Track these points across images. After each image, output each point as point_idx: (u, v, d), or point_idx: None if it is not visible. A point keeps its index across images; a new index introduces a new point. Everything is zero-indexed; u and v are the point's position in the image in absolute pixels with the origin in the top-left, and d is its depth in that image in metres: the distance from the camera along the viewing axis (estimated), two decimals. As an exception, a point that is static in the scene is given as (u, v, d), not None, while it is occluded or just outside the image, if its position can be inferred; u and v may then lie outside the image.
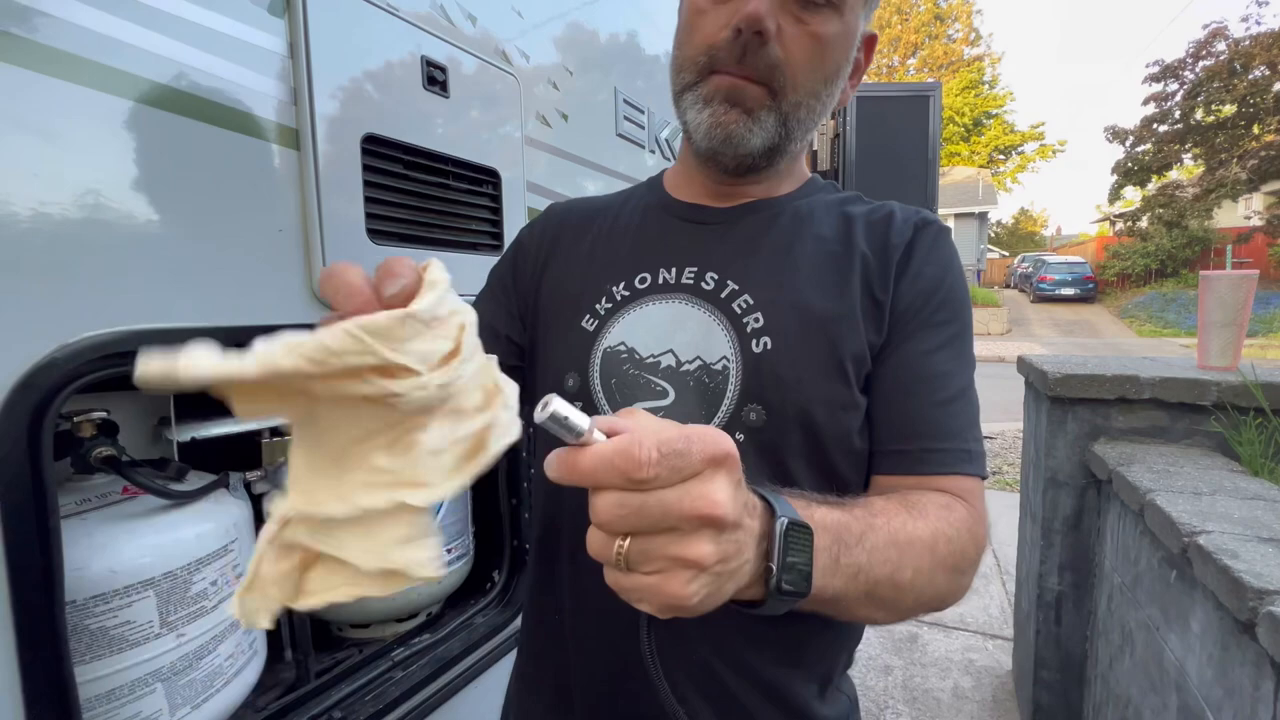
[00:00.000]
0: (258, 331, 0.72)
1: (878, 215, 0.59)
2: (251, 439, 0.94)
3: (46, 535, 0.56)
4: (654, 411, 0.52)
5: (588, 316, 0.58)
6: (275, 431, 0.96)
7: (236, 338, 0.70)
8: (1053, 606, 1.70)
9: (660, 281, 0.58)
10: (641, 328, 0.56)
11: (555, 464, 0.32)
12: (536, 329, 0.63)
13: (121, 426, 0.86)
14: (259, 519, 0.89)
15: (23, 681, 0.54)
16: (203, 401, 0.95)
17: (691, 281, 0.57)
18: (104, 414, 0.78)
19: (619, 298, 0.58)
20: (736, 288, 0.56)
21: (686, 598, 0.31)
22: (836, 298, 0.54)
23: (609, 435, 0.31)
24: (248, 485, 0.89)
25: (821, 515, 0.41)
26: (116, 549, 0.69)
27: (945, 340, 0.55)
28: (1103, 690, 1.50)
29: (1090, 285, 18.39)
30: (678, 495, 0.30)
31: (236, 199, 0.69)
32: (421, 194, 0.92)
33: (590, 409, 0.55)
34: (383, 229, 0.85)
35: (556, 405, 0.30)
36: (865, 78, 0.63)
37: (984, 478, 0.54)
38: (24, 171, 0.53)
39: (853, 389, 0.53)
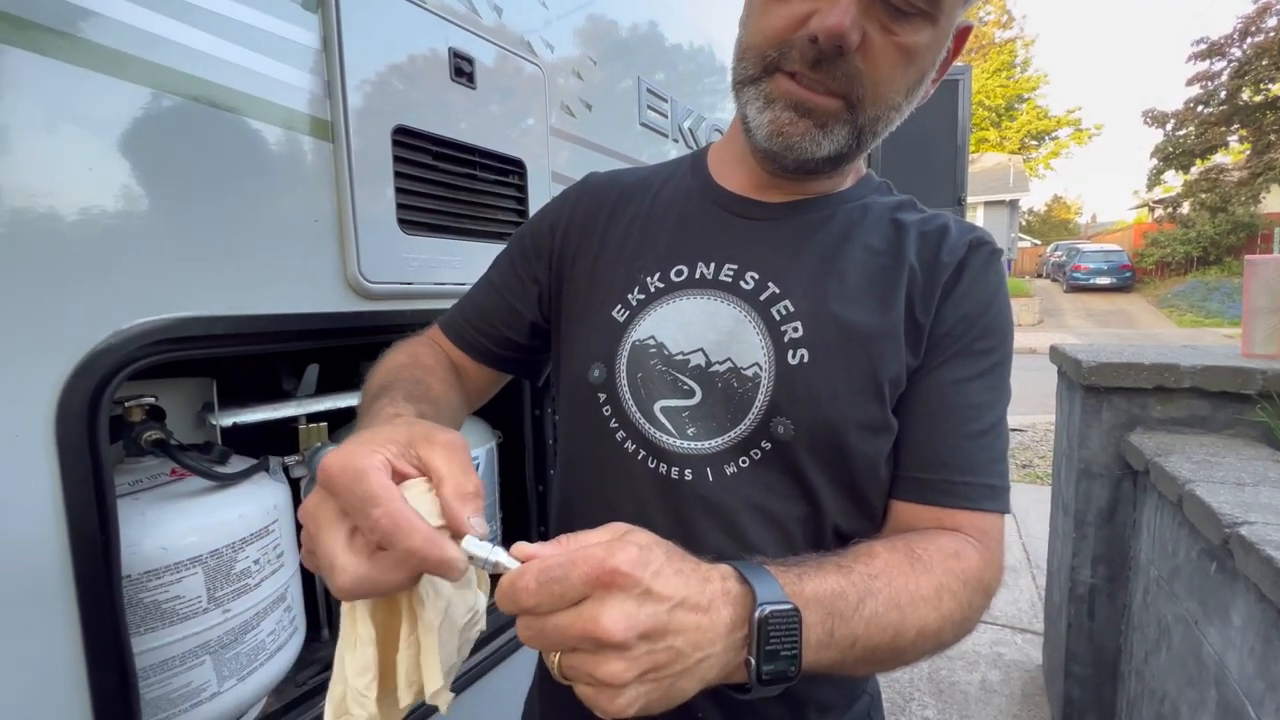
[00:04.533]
0: (297, 320, 0.75)
1: (931, 227, 0.56)
2: (289, 425, 0.98)
3: (104, 512, 0.59)
4: (679, 411, 0.53)
5: (619, 306, 0.57)
6: (311, 418, 0.99)
7: (277, 325, 0.72)
8: (1085, 600, 1.67)
9: (697, 276, 0.56)
10: (673, 323, 0.55)
11: None
12: (563, 313, 0.63)
13: (169, 412, 0.90)
14: (296, 501, 0.92)
15: (85, 648, 0.58)
16: (242, 389, 0.99)
17: (730, 279, 0.55)
18: (152, 400, 0.81)
19: (652, 289, 0.57)
20: (777, 291, 0.53)
21: (620, 710, 0.33)
22: (880, 315, 0.52)
23: (525, 561, 0.35)
24: (286, 469, 0.92)
25: (814, 588, 0.40)
26: (167, 527, 0.72)
27: (983, 370, 0.53)
28: (1137, 685, 1.47)
29: (1127, 274, 17.77)
30: (569, 619, 0.33)
31: (274, 191, 0.71)
32: (449, 184, 0.93)
33: (615, 402, 0.55)
34: (413, 219, 0.87)
35: (466, 544, 0.35)
36: None
37: (1005, 514, 0.53)
38: (78, 165, 0.56)
39: (887, 411, 0.52)
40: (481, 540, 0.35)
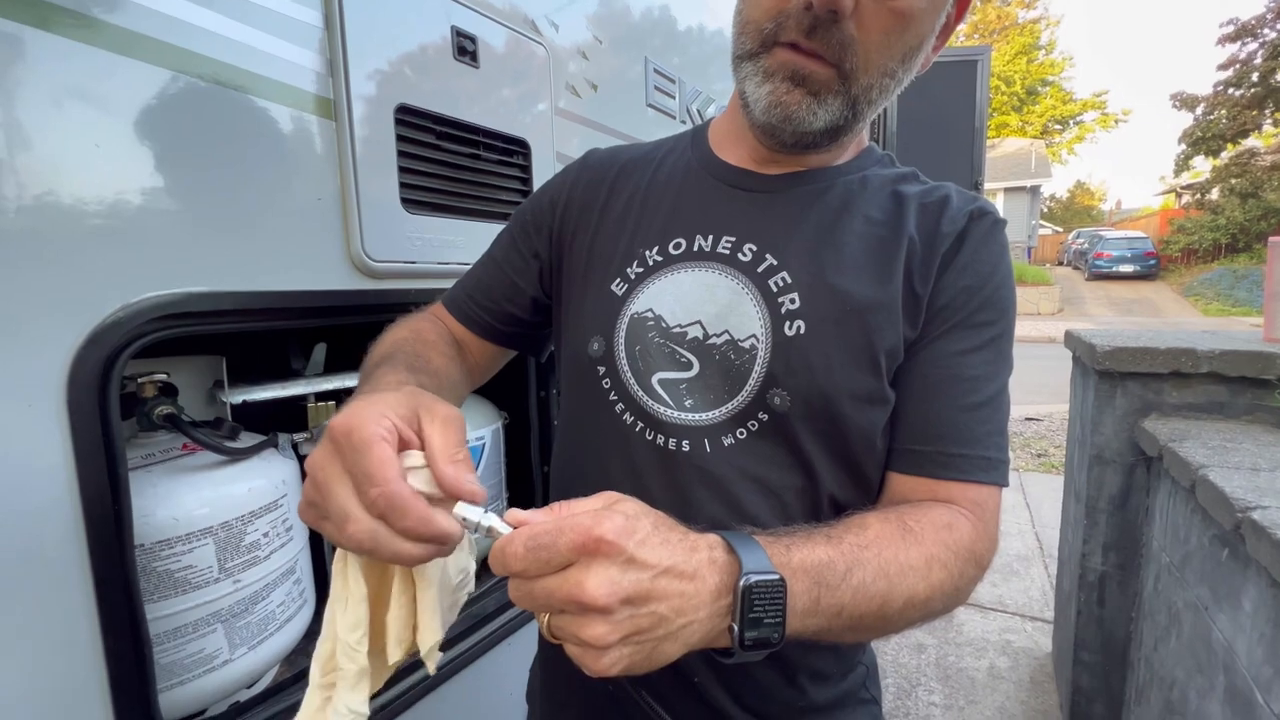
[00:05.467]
0: (302, 297, 0.76)
1: (932, 198, 0.55)
2: (298, 403, 1.00)
3: (116, 482, 0.61)
4: (677, 384, 0.53)
5: (617, 280, 0.58)
6: (320, 396, 1.00)
7: (282, 302, 0.74)
8: (1095, 587, 1.65)
9: (695, 248, 0.56)
10: (671, 295, 0.55)
11: None
12: (563, 288, 0.64)
13: (180, 389, 0.92)
14: (305, 477, 0.94)
15: (100, 613, 0.60)
16: (252, 368, 1.01)
17: (728, 251, 0.55)
18: (164, 376, 0.83)
19: (651, 262, 0.57)
20: (775, 263, 0.53)
21: (604, 669, 0.34)
22: (878, 286, 0.52)
23: (516, 527, 0.36)
24: (295, 446, 0.94)
25: (802, 557, 0.41)
26: (178, 499, 0.74)
27: (983, 342, 0.53)
28: (1146, 673, 1.46)
29: (1151, 262, 17.37)
30: (555, 584, 0.34)
31: (278, 169, 0.72)
32: (453, 164, 0.94)
33: (614, 375, 0.56)
34: (416, 198, 0.88)
35: (460, 509, 0.36)
36: None
37: (1003, 486, 0.53)
38: (83, 143, 0.57)
39: (883, 383, 0.52)
40: (474, 506, 0.36)
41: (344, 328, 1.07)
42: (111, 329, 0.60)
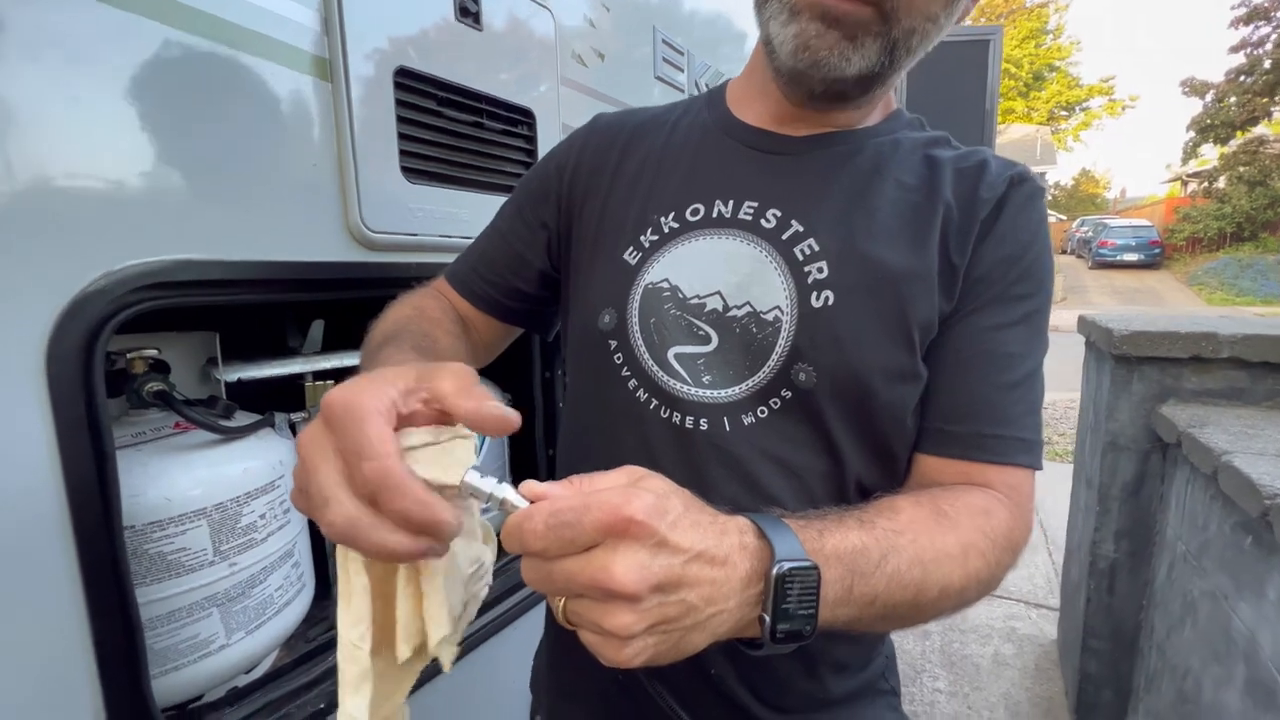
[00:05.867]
0: (297, 269, 0.72)
1: (969, 163, 0.52)
2: (295, 382, 0.96)
3: (102, 460, 0.58)
4: (694, 359, 0.50)
5: (630, 249, 0.54)
6: (318, 376, 0.97)
7: (276, 273, 0.70)
8: (1106, 575, 1.63)
9: (714, 215, 0.52)
10: (688, 265, 0.52)
11: None
12: (571, 259, 0.60)
13: (173, 366, 0.89)
14: (304, 459, 0.91)
15: (87, 597, 0.57)
16: (247, 346, 0.97)
17: (750, 218, 0.51)
18: (155, 352, 0.80)
19: (666, 230, 0.53)
20: (800, 230, 0.50)
21: (626, 661, 0.32)
22: (912, 254, 0.48)
23: (534, 501, 0.32)
24: (292, 426, 0.91)
25: (835, 544, 0.38)
26: (170, 479, 0.71)
27: (1021, 316, 0.49)
28: (1158, 660, 1.44)
29: (1156, 250, 17.23)
30: (578, 566, 0.31)
31: (271, 131, 0.68)
32: (455, 132, 0.89)
33: (627, 349, 0.52)
34: (416, 167, 0.84)
35: (469, 478, 0.33)
36: None
37: (1037, 470, 0.50)
38: (63, 97, 0.53)
39: (916, 359, 0.48)
40: (485, 476, 0.32)
41: (342, 303, 1.03)
42: (94, 299, 0.56)
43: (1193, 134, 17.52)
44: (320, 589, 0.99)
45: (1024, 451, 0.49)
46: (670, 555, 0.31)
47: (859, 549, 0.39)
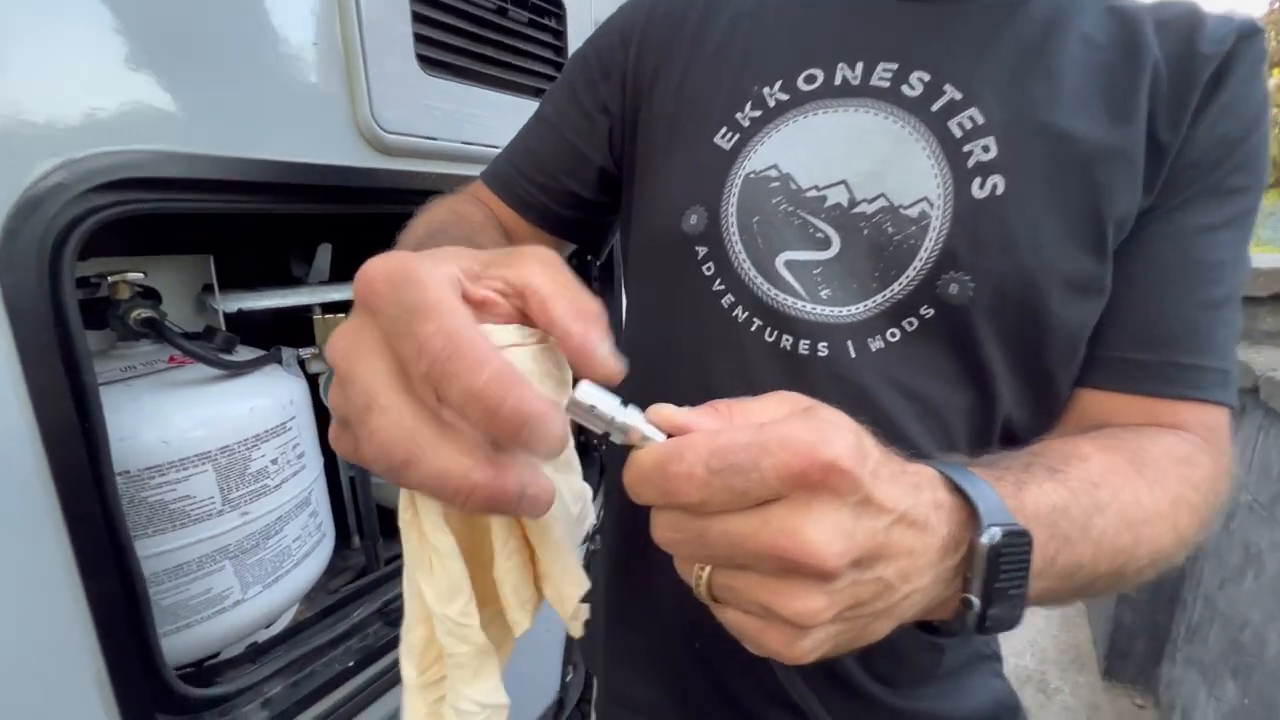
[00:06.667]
0: (298, 171, 0.61)
1: (1173, 13, 0.40)
2: (302, 314, 0.86)
3: (82, 394, 0.49)
4: (809, 266, 0.39)
5: (723, 130, 0.43)
6: (327, 308, 0.87)
7: (274, 175, 0.59)
8: (1150, 525, 1.57)
9: (838, 81, 0.40)
10: (803, 147, 0.40)
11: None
12: (639, 152, 0.48)
13: (164, 295, 0.79)
14: (315, 401, 0.82)
15: (76, 550, 0.49)
16: (246, 274, 0.87)
17: (887, 83, 0.39)
18: (140, 276, 0.69)
19: (772, 103, 0.42)
20: (958, 97, 0.38)
21: (798, 656, 0.23)
22: (1111, 127, 0.37)
23: (673, 435, 0.23)
24: (302, 362, 0.81)
25: (1035, 500, 0.29)
26: (166, 419, 0.62)
27: (1233, 216, 0.38)
28: (1205, 611, 1.40)
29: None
30: (750, 526, 0.22)
31: (265, 5, 0.56)
32: (477, 18, 0.76)
33: (721, 257, 0.42)
34: (434, 56, 0.71)
35: (584, 393, 0.22)
36: None
37: (1234, 408, 0.40)
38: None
39: (1106, 265, 0.38)
40: (605, 392, 0.22)
41: (352, 222, 0.92)
42: (52, 196, 0.45)
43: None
44: (340, 540, 0.93)
45: (1223, 386, 0.39)
46: (874, 517, 0.22)
47: (1059, 507, 0.30)
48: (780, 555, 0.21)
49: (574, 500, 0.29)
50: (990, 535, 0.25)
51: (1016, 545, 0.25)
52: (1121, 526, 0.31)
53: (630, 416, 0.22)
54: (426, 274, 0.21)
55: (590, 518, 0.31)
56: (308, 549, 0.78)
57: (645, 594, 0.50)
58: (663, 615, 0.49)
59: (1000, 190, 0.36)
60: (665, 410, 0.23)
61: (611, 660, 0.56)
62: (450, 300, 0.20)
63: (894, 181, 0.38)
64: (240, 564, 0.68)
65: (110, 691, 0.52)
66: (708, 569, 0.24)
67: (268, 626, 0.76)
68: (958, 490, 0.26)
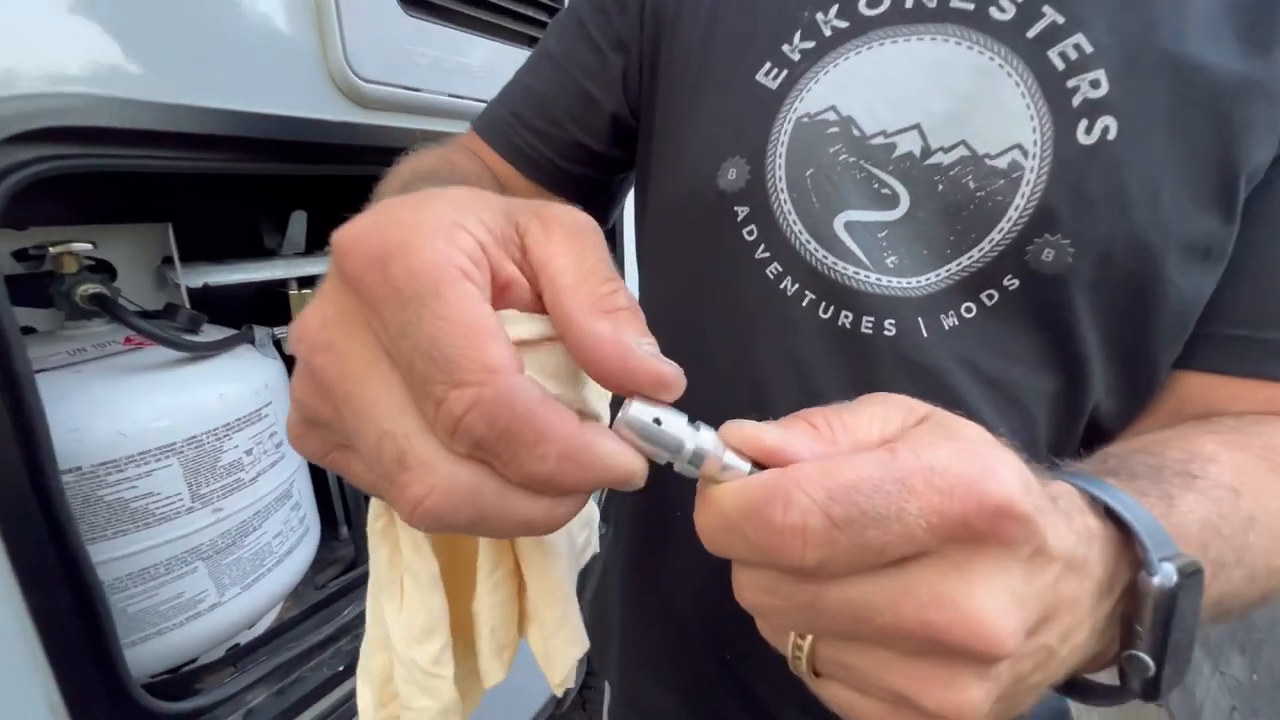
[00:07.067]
0: (263, 125, 0.53)
1: None
2: (276, 289, 0.79)
3: (14, 382, 0.42)
4: (873, 229, 0.33)
5: (768, 66, 0.36)
6: (304, 282, 0.80)
7: (232, 128, 0.51)
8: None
9: (909, 3, 0.33)
10: (867, 84, 0.34)
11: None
12: (660, 94, 0.41)
13: (120, 269, 0.71)
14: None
15: (11, 560, 0.42)
16: (213, 246, 0.79)
17: (971, 4, 0.32)
18: (89, 247, 0.62)
19: (828, 32, 0.35)
20: (1060, 20, 0.31)
21: None
22: (1246, 56, 0.30)
23: (761, 463, 0.17)
24: (277, 342, 0.74)
25: (1182, 519, 0.23)
26: (123, 408, 0.56)
27: None
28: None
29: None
30: (887, 595, 0.16)
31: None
32: (464, -49, 0.67)
33: (765, 218, 0.35)
34: (417, -8, 0.62)
35: (637, 413, 0.16)
36: None
37: None
38: None
39: (1234, 225, 0.31)
40: (667, 408, 0.16)
41: (329, 186, 0.84)
42: (-40, 145, 0.38)
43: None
44: (327, 530, 0.87)
45: None
46: (1044, 569, 0.17)
47: (1209, 525, 0.24)
48: (933, 635, 0.15)
49: (579, 526, 0.23)
50: (1165, 575, 0.19)
51: (1193, 585, 0.20)
52: (1271, 542, 0.26)
53: (704, 440, 0.16)
54: (441, 265, 0.15)
55: (594, 547, 0.26)
56: (290, 545, 0.72)
57: (667, 598, 0.45)
58: (687, 624, 0.44)
59: (1112, 135, 0.30)
60: (746, 429, 0.17)
61: (627, 667, 0.51)
62: (485, 333, 0.15)
63: (978, 126, 0.32)
64: (215, 565, 0.62)
65: (65, 715, 0.46)
66: (809, 638, 0.18)
67: (249, 628, 0.70)
68: (1107, 513, 0.20)
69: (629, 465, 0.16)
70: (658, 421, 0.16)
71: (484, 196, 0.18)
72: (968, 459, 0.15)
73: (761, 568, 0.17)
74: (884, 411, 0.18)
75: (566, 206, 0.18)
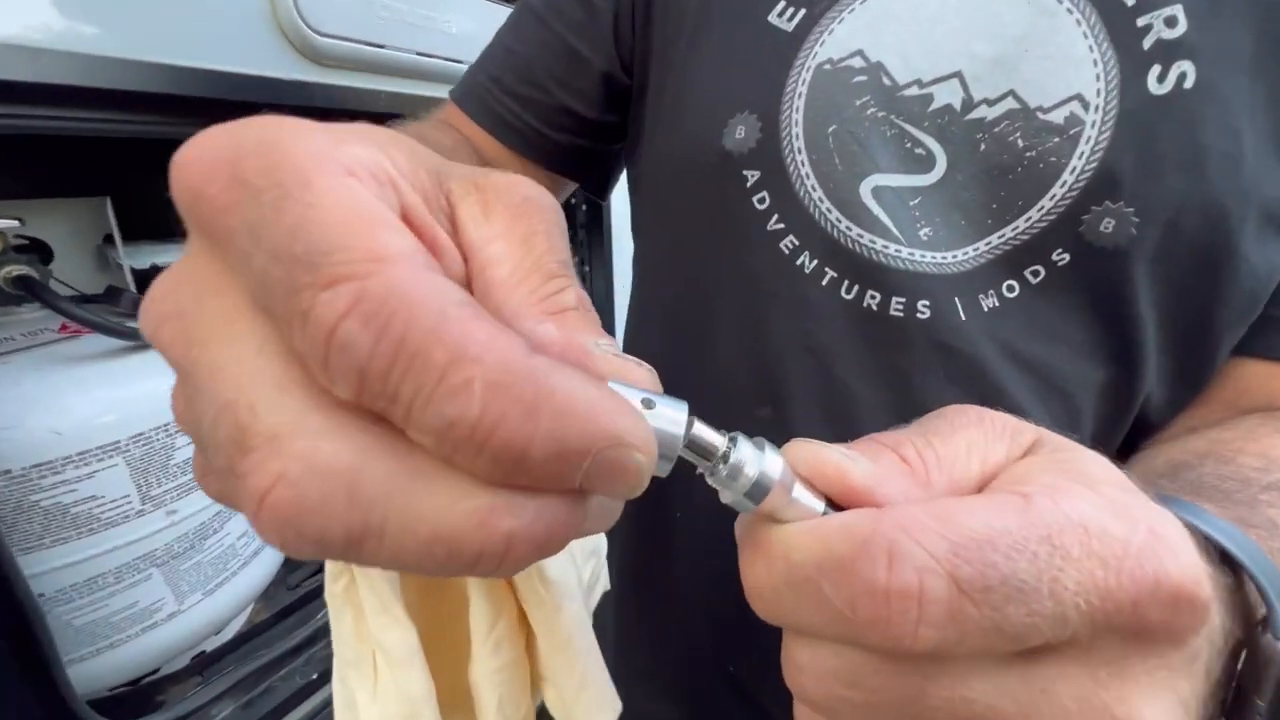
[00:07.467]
0: (204, 83, 0.47)
1: None
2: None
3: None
4: (905, 195, 0.29)
5: (782, 4, 0.31)
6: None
7: (167, 84, 0.45)
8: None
9: None
10: (899, 25, 0.29)
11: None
12: (655, 44, 0.36)
13: (56, 249, 0.65)
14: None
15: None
16: (160, 219, 0.72)
17: None
18: (15, 224, 0.55)
19: None
20: None
21: None
22: None
23: (839, 504, 0.13)
24: (237, 328, 0.68)
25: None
26: (60, 403, 0.50)
27: None
28: None
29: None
30: (1014, 698, 0.12)
31: None
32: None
33: (779, 184, 0.30)
34: (377, -64, 0.56)
35: (697, 429, 0.12)
36: None
37: None
38: None
39: None
40: (701, 423, 0.12)
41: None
42: None
43: None
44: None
45: None
46: (1197, 658, 0.13)
47: None
48: None
49: (585, 558, 0.19)
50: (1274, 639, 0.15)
51: None
52: None
53: (762, 461, 0.12)
54: (324, 163, 0.10)
55: (603, 583, 0.21)
56: (258, 545, 0.67)
57: (666, 609, 0.41)
58: (690, 636, 0.40)
59: (1189, 83, 0.26)
60: (820, 454, 0.12)
61: (624, 680, 0.47)
62: (347, 194, 0.10)
63: (1030, 73, 0.27)
64: (171, 571, 0.57)
65: (-1, 747, 0.42)
66: None
67: (216, 634, 0.66)
68: (1220, 554, 0.17)
69: (618, 426, 0.10)
70: (701, 444, 0.11)
71: (408, 144, 0.13)
72: (1125, 518, 0.11)
73: (840, 644, 0.12)
74: (982, 437, 0.14)
75: (516, 176, 0.14)
